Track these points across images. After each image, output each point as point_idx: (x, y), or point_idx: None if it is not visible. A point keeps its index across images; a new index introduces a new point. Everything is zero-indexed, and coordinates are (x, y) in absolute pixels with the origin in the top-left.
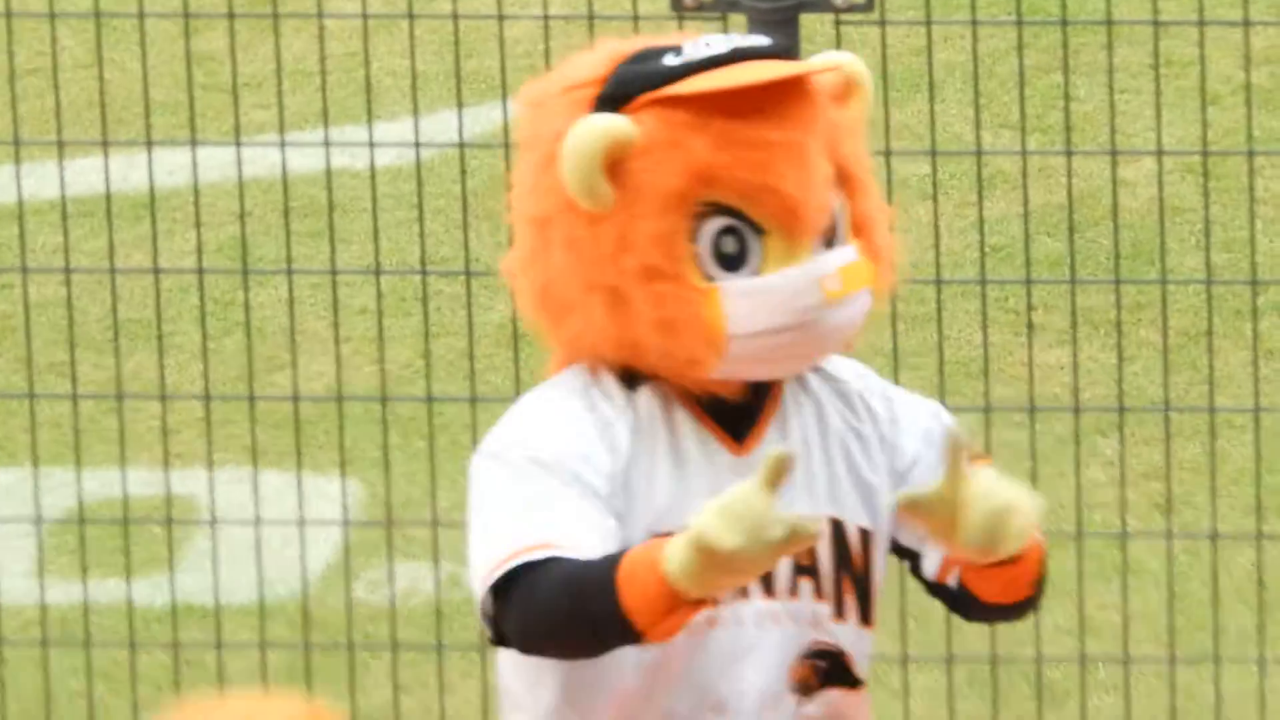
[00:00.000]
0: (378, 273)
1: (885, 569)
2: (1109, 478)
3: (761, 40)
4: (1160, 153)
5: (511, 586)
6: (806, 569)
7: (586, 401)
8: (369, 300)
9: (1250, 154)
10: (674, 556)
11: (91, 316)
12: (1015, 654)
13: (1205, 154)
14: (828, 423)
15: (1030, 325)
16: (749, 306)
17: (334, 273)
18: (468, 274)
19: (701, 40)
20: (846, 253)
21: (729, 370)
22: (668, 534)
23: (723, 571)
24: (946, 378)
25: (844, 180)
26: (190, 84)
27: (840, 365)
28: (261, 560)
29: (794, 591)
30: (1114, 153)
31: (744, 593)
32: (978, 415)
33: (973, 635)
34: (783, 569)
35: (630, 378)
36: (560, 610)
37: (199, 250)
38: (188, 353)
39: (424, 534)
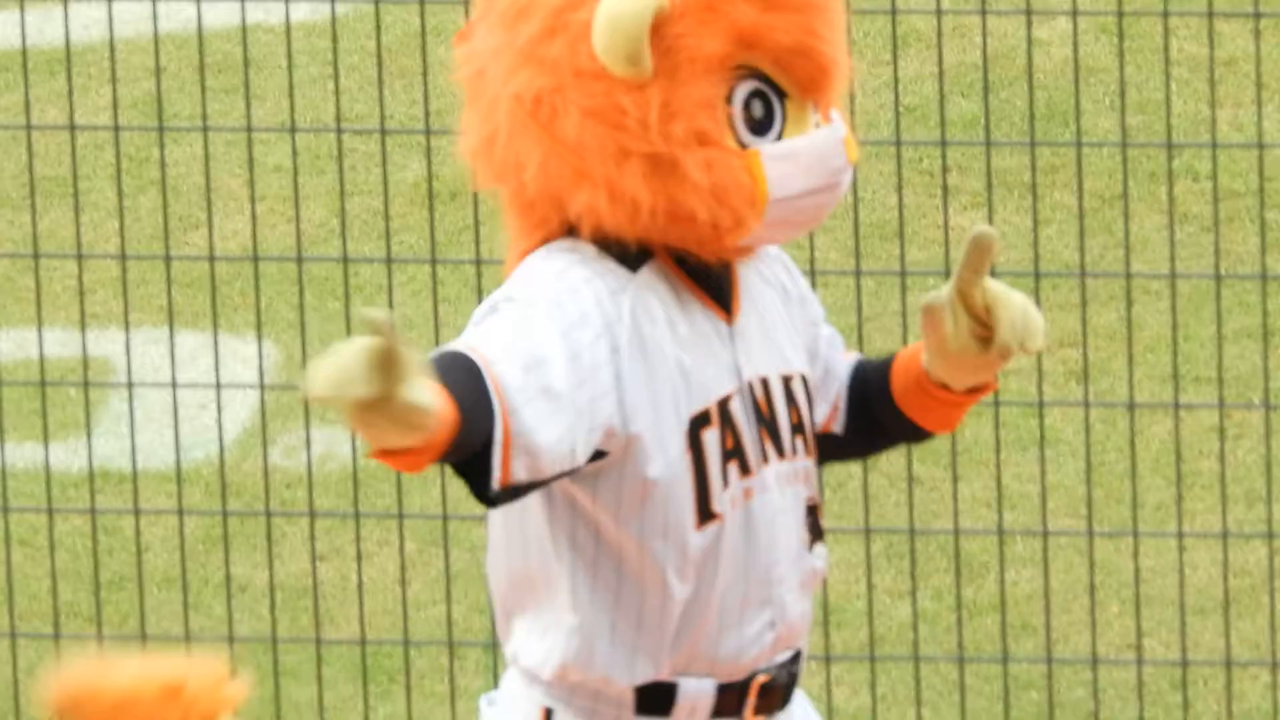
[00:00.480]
0: (293, 130)
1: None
2: None
3: None
4: (1075, 13)
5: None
6: (796, 426)
7: (596, 268)
8: (284, 158)
9: (1165, 14)
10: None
11: (7, 173)
12: (932, 526)
13: (1120, 14)
14: (767, 280)
15: (945, 187)
16: (787, 169)
17: (249, 130)
18: (383, 131)
19: None
20: (842, 124)
21: (762, 236)
22: (703, 414)
23: (361, 424)
24: (861, 240)
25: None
26: None
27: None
28: (178, 424)
29: (794, 450)
30: (1029, 13)
31: (764, 457)
32: (893, 279)
33: (890, 507)
34: (784, 428)
35: (625, 257)
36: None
37: (114, 106)
38: (103, 210)
39: None
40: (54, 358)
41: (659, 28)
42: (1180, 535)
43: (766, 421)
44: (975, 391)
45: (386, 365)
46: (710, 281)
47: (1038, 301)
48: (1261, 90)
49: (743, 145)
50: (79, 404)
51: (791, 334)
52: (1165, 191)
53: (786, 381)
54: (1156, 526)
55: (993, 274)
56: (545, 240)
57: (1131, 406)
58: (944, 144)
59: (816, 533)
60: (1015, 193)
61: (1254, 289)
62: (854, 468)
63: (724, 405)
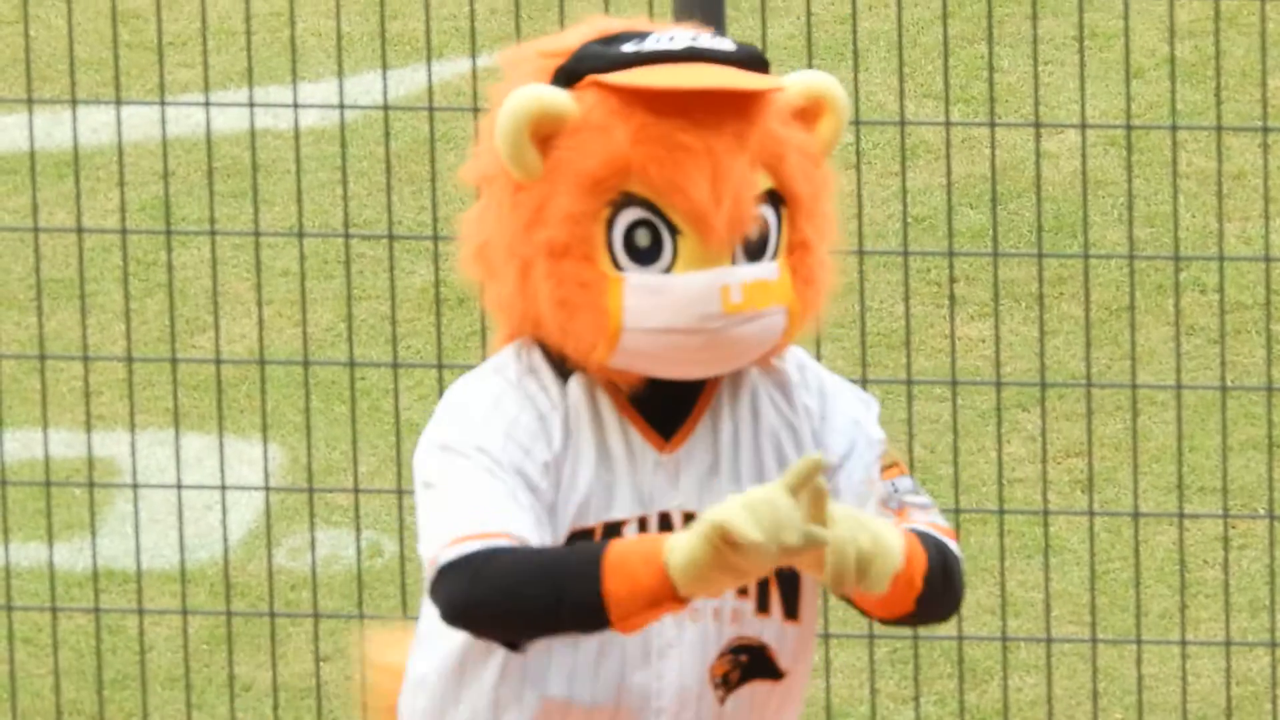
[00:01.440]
0: (300, 235)
1: None
2: (1030, 453)
3: (726, 44)
4: (1084, 125)
5: (466, 564)
6: None
7: (523, 393)
8: (291, 262)
9: (1174, 128)
10: (680, 548)
11: (14, 275)
12: (937, 632)
13: (1129, 127)
14: (761, 416)
15: (952, 297)
16: (648, 302)
17: (257, 234)
18: (390, 237)
19: (667, 33)
20: (762, 269)
21: (625, 363)
22: (586, 531)
23: (728, 569)
24: (868, 349)
25: (786, 199)
26: (115, 42)
27: (795, 360)
28: (183, 525)
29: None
30: (1037, 125)
31: None
32: (899, 388)
33: None
34: None
35: (563, 366)
36: (529, 590)
37: (122, 209)
38: (110, 313)
39: (345, 500)
40: (59, 458)
41: (555, 136)
42: (1184, 643)
43: None
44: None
45: (817, 509)
46: (654, 402)
47: (1043, 411)
48: (1269, 204)
49: (619, 270)
50: (84, 504)
51: (781, 473)
52: (1172, 303)
53: None
54: (1160, 634)
55: (998, 384)
56: (511, 338)
57: (1136, 516)
58: (951, 254)
59: (750, 673)
60: (1022, 303)
61: (1260, 400)
62: None
63: (612, 528)
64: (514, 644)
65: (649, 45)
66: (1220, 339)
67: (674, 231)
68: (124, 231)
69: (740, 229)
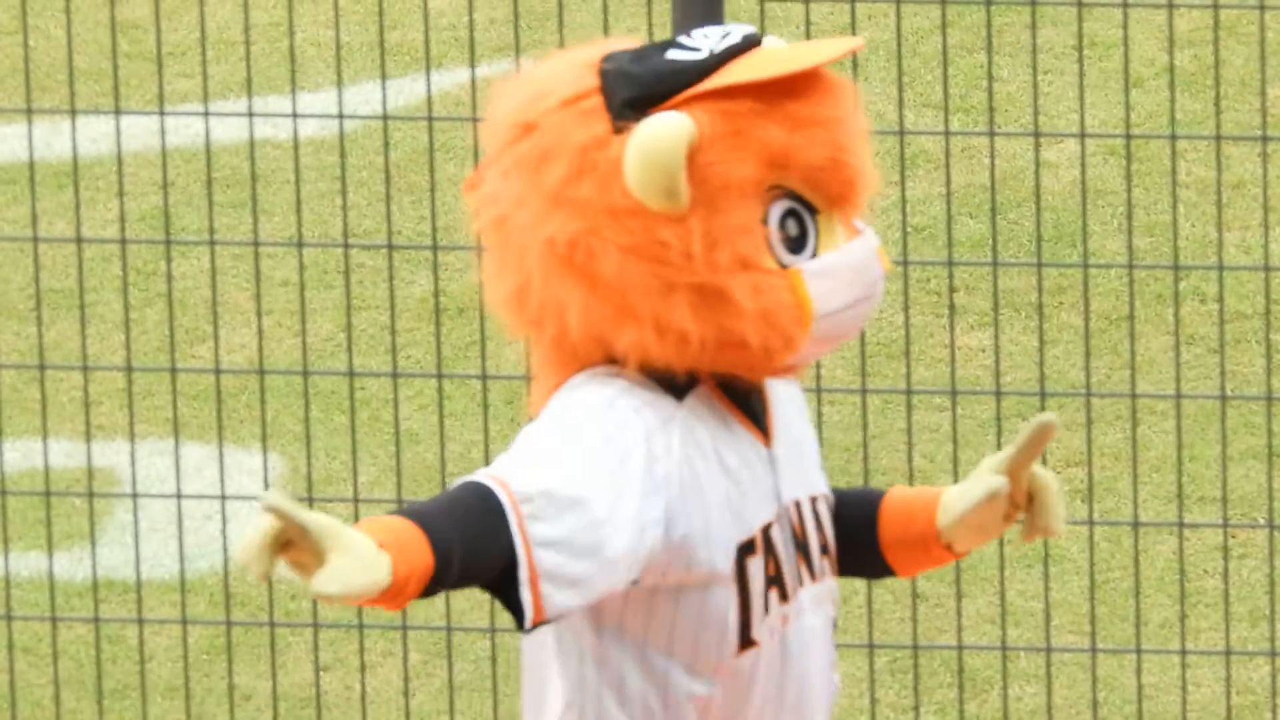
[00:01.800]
0: (300, 245)
1: None
2: None
3: (750, 29)
4: (1083, 135)
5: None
6: (824, 548)
7: (651, 414)
8: (291, 272)
9: (1173, 137)
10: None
11: (14, 285)
12: (936, 641)
13: (1128, 137)
14: (792, 399)
15: (952, 307)
16: (829, 285)
17: (256, 244)
18: (390, 247)
19: (701, 33)
20: (868, 231)
21: (808, 353)
22: (750, 541)
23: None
24: (868, 359)
25: None
26: (114, 52)
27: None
28: (183, 535)
29: (824, 571)
30: (1037, 134)
31: (800, 580)
32: (899, 397)
33: (894, 623)
34: (814, 549)
35: (670, 384)
36: None
37: (121, 219)
38: (110, 323)
39: (345, 510)
40: (59, 468)
41: (691, 158)
42: (1184, 653)
43: (801, 545)
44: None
45: (281, 545)
46: (750, 405)
47: None
48: (1269, 213)
49: (782, 265)
50: (84, 514)
51: (814, 451)
52: (1172, 313)
53: (814, 503)
54: (1160, 644)
55: (998, 394)
56: (583, 368)
57: (1136, 525)
58: (951, 264)
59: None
60: (1022, 313)
61: (1259, 410)
62: (858, 583)
63: (766, 532)
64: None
65: (711, 46)
66: (1220, 348)
67: (813, 212)
68: (123, 241)
69: (868, 192)
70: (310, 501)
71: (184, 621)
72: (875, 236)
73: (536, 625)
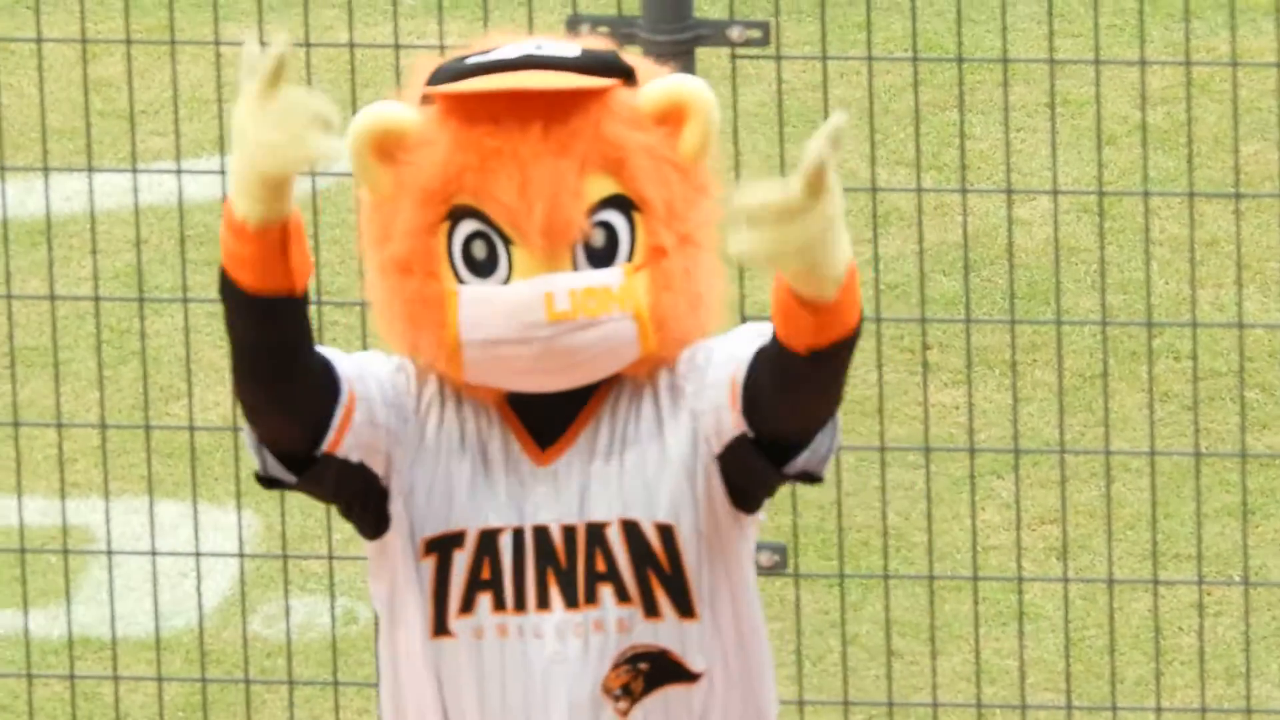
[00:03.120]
0: None
1: (709, 556)
2: (1004, 520)
3: (571, 51)
4: (1056, 192)
5: None
6: (603, 575)
7: (405, 373)
8: None
9: (1146, 194)
10: (231, 180)
11: None
12: (911, 699)
13: (1101, 194)
14: (641, 422)
15: (925, 364)
16: (479, 313)
17: None
18: (363, 305)
19: (521, 43)
20: (595, 275)
21: (477, 377)
22: (457, 534)
23: (259, 171)
24: (842, 416)
25: (636, 203)
26: (87, 110)
27: (688, 351)
28: (158, 592)
29: (592, 599)
30: (1009, 191)
31: (542, 603)
32: (873, 455)
33: (869, 680)
34: (580, 577)
35: None
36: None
37: (95, 277)
38: (84, 380)
39: (320, 567)
40: (34, 525)
41: (394, 151)
42: (1159, 710)
43: (559, 569)
44: (821, 312)
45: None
46: (539, 412)
47: (1017, 478)
48: (1242, 270)
49: (461, 283)
50: (59, 571)
51: (663, 476)
52: (1146, 370)
53: (619, 528)
54: (1136, 702)
55: (972, 451)
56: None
57: (1111, 583)
58: (924, 321)
59: (656, 680)
60: (996, 370)
61: (1234, 467)
62: (831, 640)
63: (487, 536)
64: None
65: (491, 55)
66: (1194, 405)
67: (507, 242)
68: (97, 299)
69: (560, 234)
70: (285, 559)
71: (159, 679)
72: (561, 283)
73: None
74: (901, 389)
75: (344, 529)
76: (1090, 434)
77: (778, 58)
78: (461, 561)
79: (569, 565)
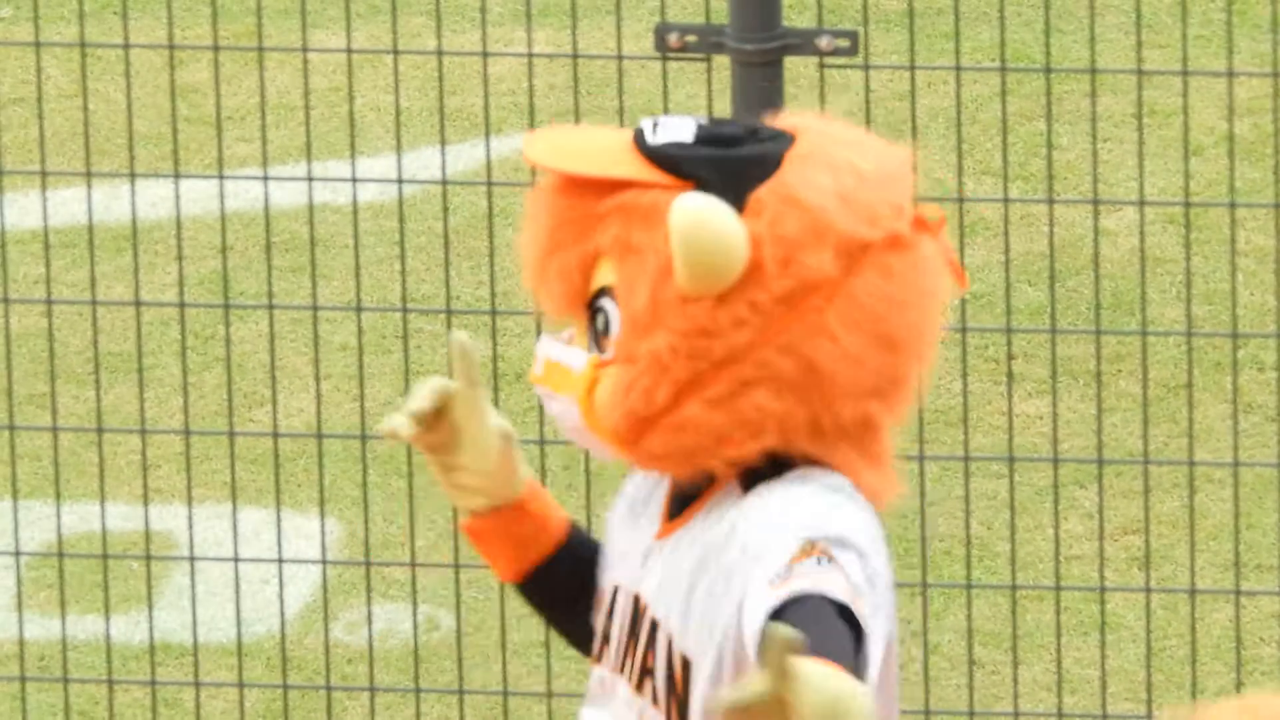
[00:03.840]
0: (359, 309)
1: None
2: (1087, 530)
3: (676, 135)
4: (1142, 203)
5: None
6: (649, 671)
7: None
8: (349, 337)
9: (1232, 205)
10: None
11: (72, 348)
12: (993, 709)
13: (1187, 205)
14: (727, 533)
15: (1010, 374)
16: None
17: (315, 308)
18: (449, 312)
19: (678, 120)
20: (566, 352)
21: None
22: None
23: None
24: (926, 426)
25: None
26: (174, 116)
27: (771, 500)
28: (240, 599)
29: (642, 691)
30: (1096, 202)
31: (621, 668)
32: (956, 464)
33: (950, 690)
34: (637, 661)
35: None
36: None
37: (180, 283)
38: (168, 386)
39: (402, 574)
40: (117, 531)
41: None
42: None
43: (635, 641)
44: None
45: (444, 399)
46: (681, 488)
47: (1100, 488)
48: None
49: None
50: (141, 577)
51: (705, 621)
52: (1230, 381)
53: (664, 638)
54: None
55: (1055, 461)
56: None
57: (1193, 593)
58: (1009, 331)
59: None
60: (1080, 380)
61: None
62: (914, 649)
63: (614, 592)
64: None
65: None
66: (1278, 417)
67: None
68: (182, 305)
69: (553, 308)
70: (368, 566)
71: (240, 685)
72: (544, 350)
73: None
74: (985, 399)
75: (427, 536)
76: (1174, 444)
77: (866, 67)
78: (603, 612)
79: (634, 641)
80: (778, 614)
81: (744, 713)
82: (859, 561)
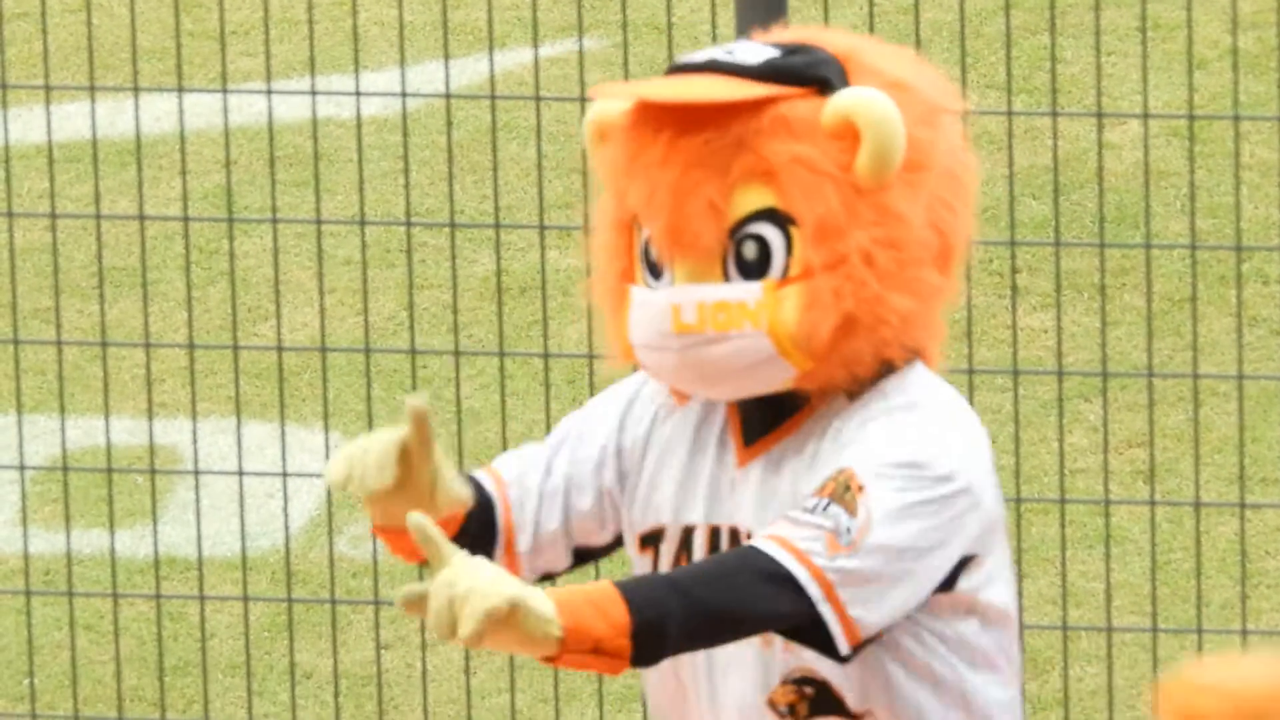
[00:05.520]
0: (362, 223)
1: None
2: (1092, 444)
3: (757, 56)
4: (1146, 116)
5: None
6: None
7: (635, 380)
8: (353, 251)
9: (1236, 119)
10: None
11: (76, 263)
12: None
13: (1191, 118)
14: (822, 448)
15: (1014, 288)
16: (635, 317)
17: (319, 222)
18: (452, 226)
19: (724, 46)
20: (726, 289)
21: (653, 376)
22: (659, 530)
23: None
24: None
25: (792, 218)
26: (178, 30)
27: (902, 388)
28: (244, 513)
29: None
30: (1100, 115)
31: None
32: (961, 378)
33: None
34: None
35: None
36: None
37: (184, 198)
38: (172, 301)
39: None
40: (121, 445)
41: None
42: (1244, 633)
43: None
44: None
45: (407, 457)
46: (758, 410)
47: (1105, 402)
48: None
49: (641, 284)
50: (145, 491)
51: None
52: (1234, 294)
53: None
54: (1222, 624)
55: (1060, 374)
56: None
57: (1198, 506)
58: (1014, 245)
59: (819, 708)
60: (1084, 294)
61: None
62: None
63: (687, 532)
64: None
65: (686, 58)
66: None
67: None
68: (186, 219)
69: (688, 246)
70: None
71: (245, 599)
72: (688, 295)
73: None
74: (990, 312)
75: None
76: (1178, 358)
77: None
78: (667, 555)
79: None
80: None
81: (417, 606)
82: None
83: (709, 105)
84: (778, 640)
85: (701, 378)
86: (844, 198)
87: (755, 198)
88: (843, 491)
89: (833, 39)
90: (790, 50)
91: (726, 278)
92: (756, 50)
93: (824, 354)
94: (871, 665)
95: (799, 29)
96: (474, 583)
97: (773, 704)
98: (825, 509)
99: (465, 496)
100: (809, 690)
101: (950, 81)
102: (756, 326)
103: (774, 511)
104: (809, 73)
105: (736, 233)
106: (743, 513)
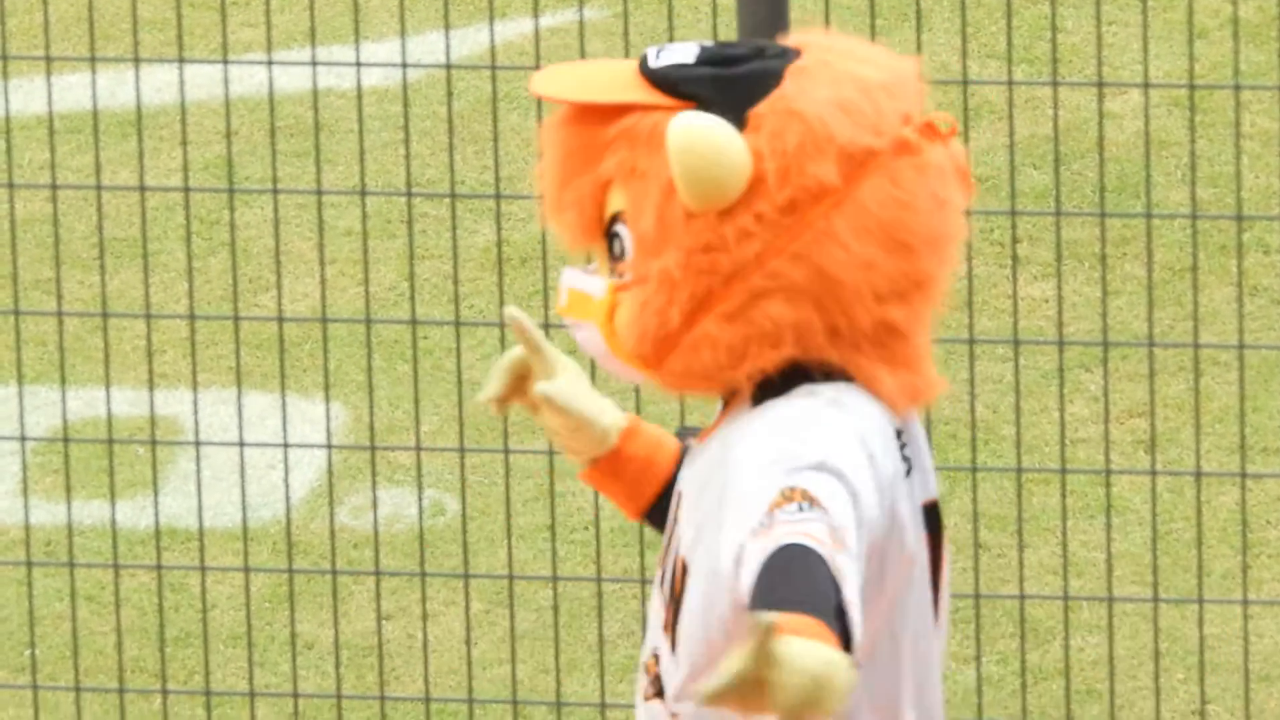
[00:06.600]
0: (363, 194)
1: (706, 607)
2: (1093, 413)
3: (683, 58)
4: (1147, 85)
5: None
6: (663, 567)
7: None
8: (354, 221)
9: (1237, 88)
10: None
11: (77, 234)
12: (999, 591)
13: (1192, 87)
14: (714, 458)
15: (1015, 257)
16: None
17: (319, 193)
18: (453, 196)
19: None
20: (585, 280)
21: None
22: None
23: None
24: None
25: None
26: (178, 1)
27: (759, 425)
28: (245, 483)
29: (662, 580)
30: (1100, 84)
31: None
32: (962, 348)
33: (956, 573)
34: (665, 556)
35: None
36: None
37: (185, 168)
38: (173, 271)
39: (408, 459)
40: (122, 416)
41: None
42: (1246, 603)
43: (670, 538)
44: None
45: (517, 368)
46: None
47: (1106, 371)
48: None
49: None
50: (146, 462)
51: (703, 520)
52: (1235, 264)
53: (676, 528)
54: (1222, 594)
55: (1061, 344)
56: None
57: (1199, 475)
58: (1014, 214)
59: (658, 689)
60: (1085, 264)
61: None
62: None
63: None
64: None
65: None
66: None
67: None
68: (187, 190)
69: (569, 235)
70: (373, 451)
71: (246, 570)
72: (566, 279)
73: None
74: (991, 282)
75: (432, 420)
76: (1179, 328)
77: None
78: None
79: (670, 541)
80: (766, 566)
81: (726, 697)
82: (840, 487)
83: (570, 103)
84: (657, 607)
85: (594, 359)
86: (664, 216)
87: (618, 199)
88: (784, 501)
89: (811, 51)
90: (719, 60)
91: (608, 270)
92: (685, 53)
93: (648, 363)
94: (677, 659)
95: (802, 31)
96: (820, 668)
97: (647, 669)
98: (799, 509)
99: (618, 423)
100: (657, 670)
101: (911, 118)
102: (592, 320)
103: (688, 496)
104: (685, 88)
105: (609, 229)
106: (684, 486)
